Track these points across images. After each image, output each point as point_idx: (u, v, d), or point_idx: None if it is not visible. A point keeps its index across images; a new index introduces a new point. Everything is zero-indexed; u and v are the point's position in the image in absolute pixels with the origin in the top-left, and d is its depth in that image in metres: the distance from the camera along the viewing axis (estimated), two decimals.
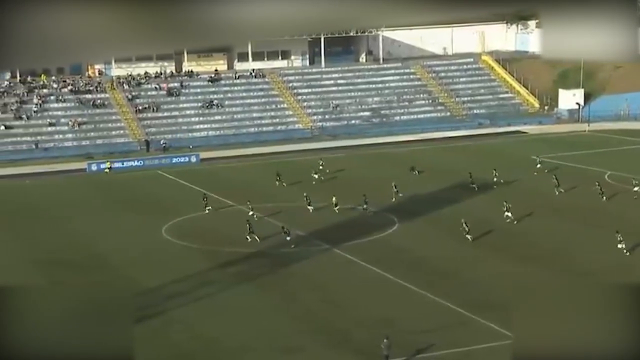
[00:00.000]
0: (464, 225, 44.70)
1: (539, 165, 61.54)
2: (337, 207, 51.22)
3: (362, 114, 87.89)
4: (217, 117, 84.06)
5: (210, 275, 40.55)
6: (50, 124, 79.35)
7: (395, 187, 54.16)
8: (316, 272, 40.88)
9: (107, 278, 40.44)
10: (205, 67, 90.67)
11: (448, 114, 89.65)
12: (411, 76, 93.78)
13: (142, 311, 35.56)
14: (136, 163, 70.62)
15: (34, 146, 76.46)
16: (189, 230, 48.46)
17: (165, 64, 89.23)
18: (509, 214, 48.07)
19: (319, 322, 34.47)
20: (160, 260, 43.28)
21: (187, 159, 71.50)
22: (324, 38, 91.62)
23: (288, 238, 44.30)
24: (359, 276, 40.25)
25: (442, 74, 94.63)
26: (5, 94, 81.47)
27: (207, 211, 51.37)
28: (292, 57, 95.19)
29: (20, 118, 79.24)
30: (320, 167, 61.97)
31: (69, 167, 69.25)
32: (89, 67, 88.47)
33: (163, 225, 49.26)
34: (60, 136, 78.65)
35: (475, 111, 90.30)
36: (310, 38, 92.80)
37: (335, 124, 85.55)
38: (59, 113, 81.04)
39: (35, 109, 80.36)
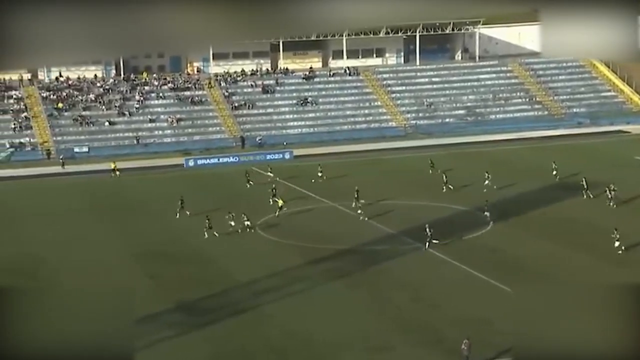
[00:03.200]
0: (427, 230, 43.46)
1: (554, 172, 58.83)
2: (280, 211, 50.58)
3: (456, 112, 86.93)
4: (311, 115, 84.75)
5: (302, 271, 40.99)
6: (151, 120, 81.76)
7: (357, 193, 51.72)
8: (407, 270, 40.78)
9: (203, 272, 41.51)
10: (300, 64, 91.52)
11: (546, 112, 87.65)
12: (508, 74, 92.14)
13: (236, 305, 36.37)
14: (231, 159, 72.11)
15: (135, 142, 78.98)
16: (281, 226, 49.11)
17: (261, 61, 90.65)
18: (488, 214, 48.01)
19: (410, 321, 34.40)
20: (253, 255, 44.04)
21: (281, 155, 72.40)
22: (419, 36, 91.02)
23: (232, 223, 46.94)
24: (451, 275, 39.93)
25: (541, 72, 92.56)
26: (110, 91, 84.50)
27: (177, 215, 51.58)
28: (387, 55, 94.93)
29: (123, 114, 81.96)
30: (319, 174, 61.23)
31: (167, 162, 71.25)
32: (188, 65, 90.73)
33: (257, 221, 50.04)
34: (160, 132, 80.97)
35: (574, 110, 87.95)
36: (405, 36, 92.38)
37: (429, 122, 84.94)
38: (159, 109, 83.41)
39: (137, 106, 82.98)
